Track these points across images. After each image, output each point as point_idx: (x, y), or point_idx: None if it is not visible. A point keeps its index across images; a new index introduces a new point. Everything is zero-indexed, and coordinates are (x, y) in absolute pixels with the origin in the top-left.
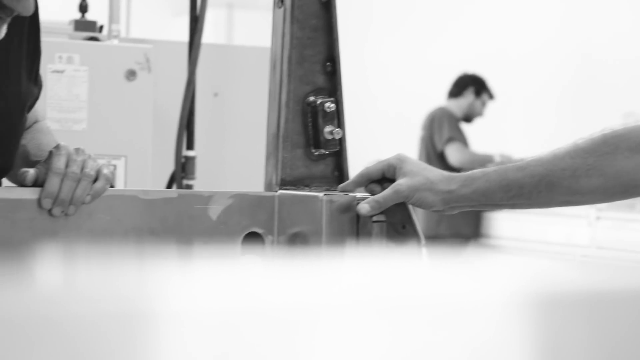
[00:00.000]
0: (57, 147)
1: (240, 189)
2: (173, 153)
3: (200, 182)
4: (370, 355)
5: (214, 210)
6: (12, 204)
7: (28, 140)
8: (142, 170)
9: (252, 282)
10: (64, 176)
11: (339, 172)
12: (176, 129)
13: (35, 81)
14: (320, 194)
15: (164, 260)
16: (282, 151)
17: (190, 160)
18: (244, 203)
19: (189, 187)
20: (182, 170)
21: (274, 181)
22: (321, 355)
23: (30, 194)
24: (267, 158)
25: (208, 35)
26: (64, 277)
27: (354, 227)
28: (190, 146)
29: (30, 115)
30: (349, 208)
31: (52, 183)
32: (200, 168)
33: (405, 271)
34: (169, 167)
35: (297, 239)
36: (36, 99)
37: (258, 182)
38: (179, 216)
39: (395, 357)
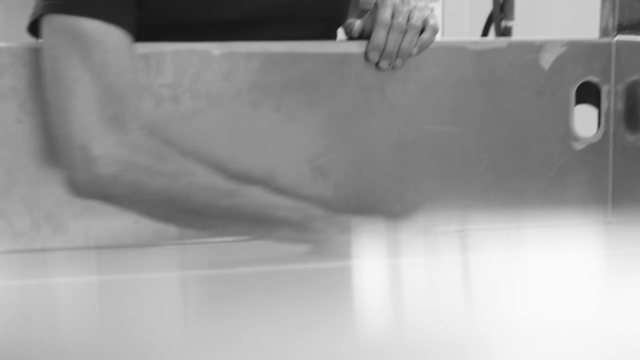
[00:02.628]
0: None
1: (567, 35)
2: None
3: (519, 24)
4: None
5: (546, 60)
6: (339, 58)
7: None
8: (459, 11)
9: None
10: (390, 28)
11: None
12: None
13: None
14: None
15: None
16: None
17: (508, 0)
18: (577, 51)
19: (507, 29)
20: (501, 11)
21: (610, 26)
22: None
23: (357, 47)
24: (603, 1)
25: None
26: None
27: None
28: None
29: None
30: None
31: (379, 35)
32: (519, 8)
33: None
34: (487, 7)
35: (637, 87)
36: None
37: (581, 23)
38: (509, 66)
39: None
